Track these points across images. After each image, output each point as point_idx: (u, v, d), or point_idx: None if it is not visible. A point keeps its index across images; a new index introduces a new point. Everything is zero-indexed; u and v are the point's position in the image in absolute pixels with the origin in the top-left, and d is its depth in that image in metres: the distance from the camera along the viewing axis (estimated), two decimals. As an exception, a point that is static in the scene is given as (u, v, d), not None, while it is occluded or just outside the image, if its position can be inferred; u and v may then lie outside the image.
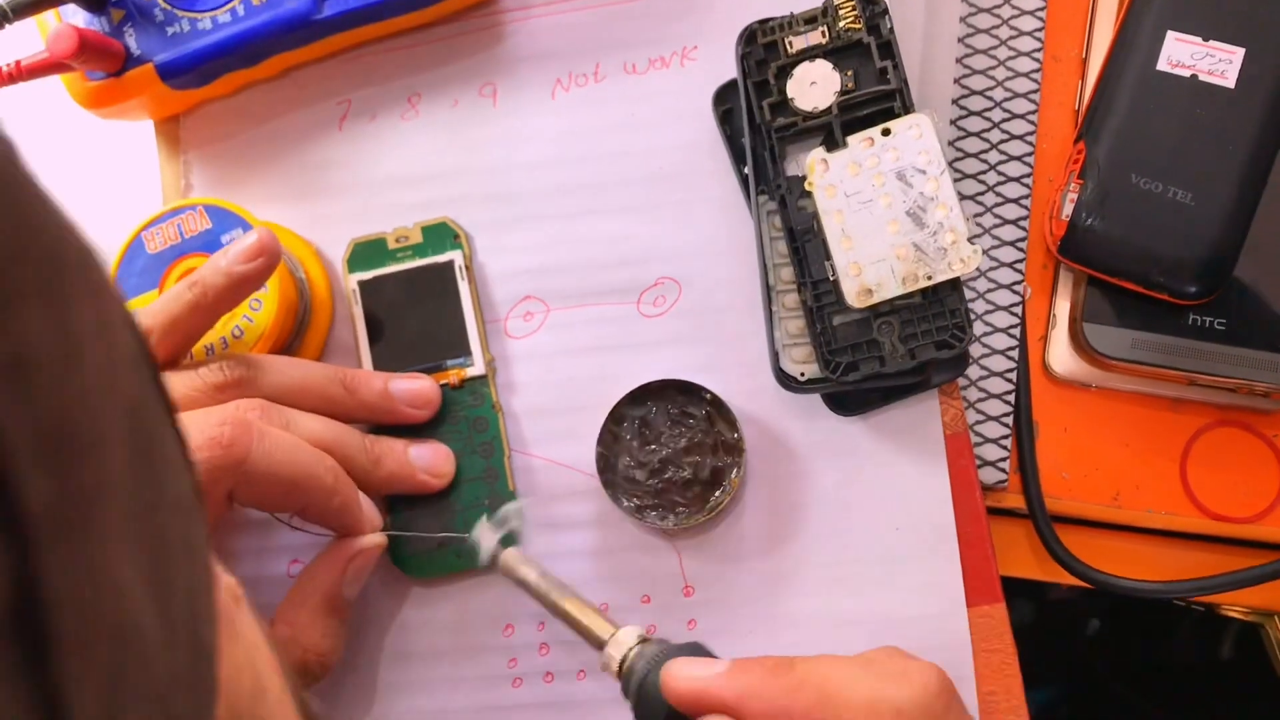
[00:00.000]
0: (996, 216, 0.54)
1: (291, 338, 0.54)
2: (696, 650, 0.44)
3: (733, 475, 0.52)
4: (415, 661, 0.53)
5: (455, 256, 0.54)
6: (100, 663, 0.17)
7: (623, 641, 0.45)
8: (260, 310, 0.52)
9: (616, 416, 0.52)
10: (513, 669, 0.53)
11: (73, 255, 0.18)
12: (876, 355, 0.49)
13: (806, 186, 0.49)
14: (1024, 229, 0.54)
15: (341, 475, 0.48)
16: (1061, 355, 0.53)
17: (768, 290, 0.51)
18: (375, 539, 0.50)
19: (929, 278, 0.48)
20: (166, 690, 0.18)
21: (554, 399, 0.54)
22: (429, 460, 0.52)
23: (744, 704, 0.40)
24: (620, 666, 0.44)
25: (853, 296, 0.48)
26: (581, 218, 0.55)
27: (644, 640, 0.45)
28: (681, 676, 0.42)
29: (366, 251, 0.55)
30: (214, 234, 0.53)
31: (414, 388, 0.52)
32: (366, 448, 0.50)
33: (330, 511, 0.48)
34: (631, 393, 0.52)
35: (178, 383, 0.47)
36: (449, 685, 0.53)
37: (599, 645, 0.45)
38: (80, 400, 0.17)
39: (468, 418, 0.54)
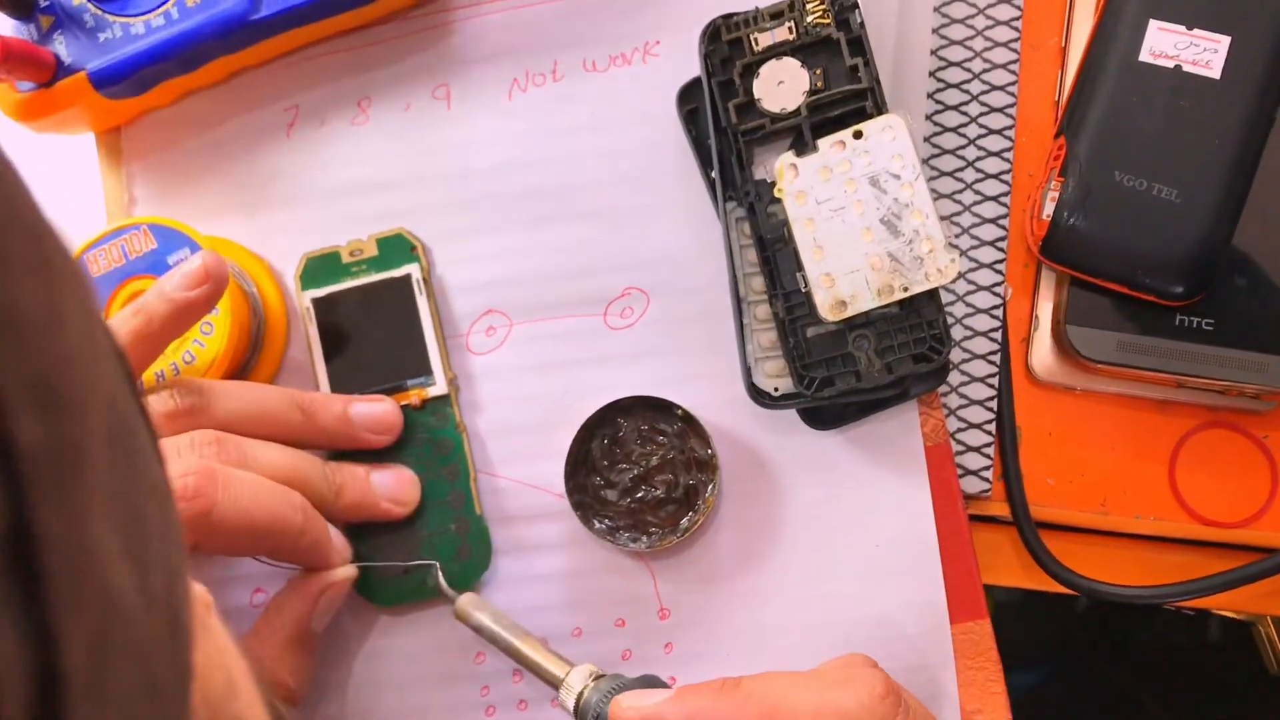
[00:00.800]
0: (975, 215, 0.52)
1: (246, 359, 0.52)
2: (649, 683, 0.45)
3: (707, 493, 0.50)
4: (385, 691, 0.52)
5: (413, 270, 0.52)
6: (88, 612, 0.17)
7: (574, 682, 0.46)
8: (213, 334, 0.49)
9: (585, 435, 0.50)
10: (485, 697, 0.51)
11: (52, 238, 0.19)
12: (852, 370, 0.47)
13: (776, 192, 0.47)
14: (1004, 228, 0.52)
15: (310, 512, 0.46)
16: (1045, 358, 0.51)
17: (738, 301, 0.48)
18: (346, 572, 0.48)
19: (905, 289, 0.46)
20: (148, 654, 0.19)
21: (520, 417, 0.52)
22: (392, 488, 0.50)
23: None
24: (576, 705, 0.45)
25: (826, 309, 0.46)
26: (543, 225, 0.52)
27: (598, 677, 0.46)
28: (627, 708, 0.42)
29: (320, 266, 0.53)
30: (160, 254, 0.51)
31: (374, 411, 0.50)
32: (328, 476, 0.48)
33: (300, 550, 0.47)
34: (600, 410, 0.50)
35: None
36: (420, 714, 0.52)
37: (555, 685, 0.46)
38: (66, 361, 0.18)
39: (431, 440, 0.51)
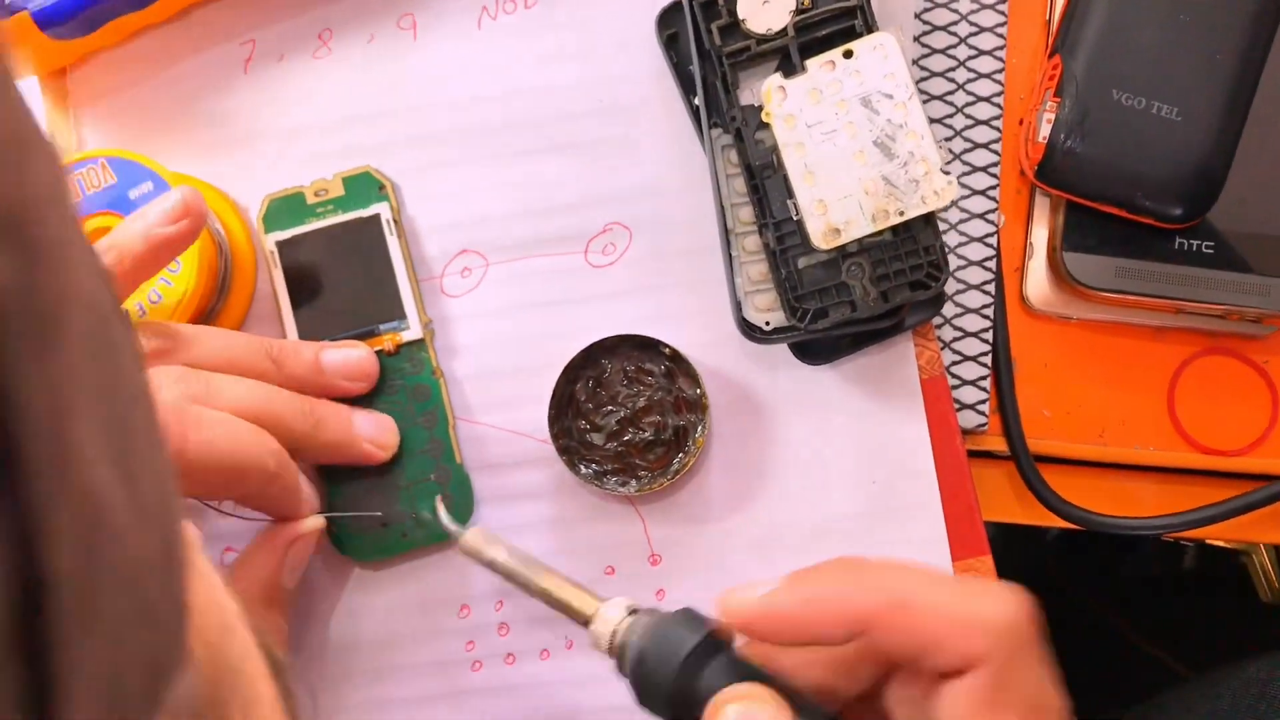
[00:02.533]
0: (966, 140, 0.50)
1: (213, 301, 0.50)
2: (693, 618, 0.38)
3: (697, 434, 0.48)
4: (366, 649, 0.50)
5: (381, 209, 0.50)
6: (73, 511, 0.15)
7: (611, 616, 0.39)
8: (179, 272, 0.47)
9: (568, 377, 0.48)
10: (471, 652, 0.49)
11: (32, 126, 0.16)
12: (847, 300, 0.45)
13: (764, 117, 0.45)
14: (996, 152, 0.50)
15: (284, 458, 0.44)
16: (1040, 287, 0.50)
17: (726, 233, 0.46)
18: (314, 523, 0.46)
19: (900, 213, 0.44)
20: (142, 576, 0.17)
21: (500, 361, 0.50)
22: (374, 430, 0.48)
23: (809, 610, 0.34)
24: (612, 641, 0.39)
25: (819, 237, 0.44)
26: (518, 160, 0.50)
27: (634, 611, 0.39)
28: (733, 605, 0.36)
29: (284, 208, 0.50)
30: (120, 189, 0.48)
31: (349, 358, 0.48)
32: (305, 411, 0.46)
33: (269, 497, 0.45)
34: (583, 351, 0.48)
35: None
36: (404, 672, 0.50)
37: (584, 622, 0.40)
38: (36, 204, 0.15)
39: (406, 386, 0.49)
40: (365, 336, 0.49)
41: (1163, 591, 0.79)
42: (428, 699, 0.49)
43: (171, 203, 0.44)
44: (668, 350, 0.48)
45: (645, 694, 0.38)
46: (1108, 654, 0.73)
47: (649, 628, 0.38)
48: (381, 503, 0.49)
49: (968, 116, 0.50)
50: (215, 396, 0.43)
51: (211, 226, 0.49)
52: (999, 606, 0.33)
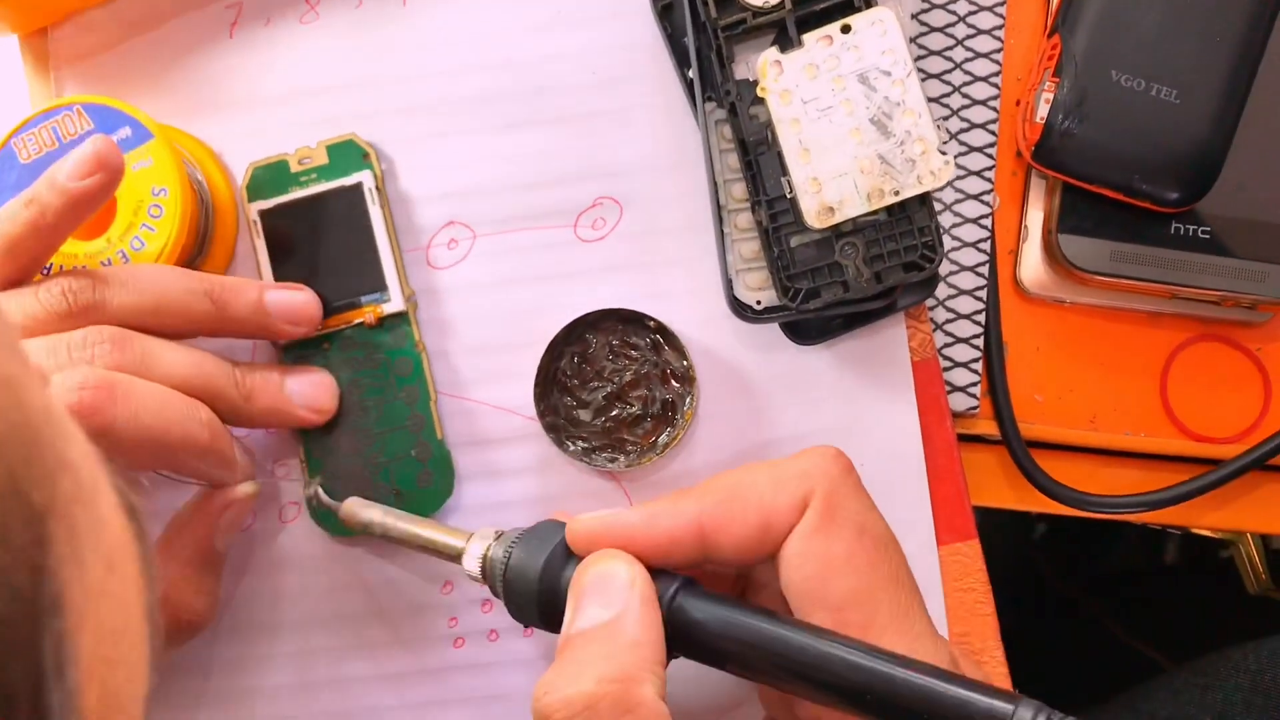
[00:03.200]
0: (963, 120, 0.49)
1: (194, 253, 0.49)
2: (554, 524, 0.40)
3: (685, 407, 0.47)
4: (346, 625, 0.49)
5: (364, 177, 0.49)
6: None
7: (477, 545, 0.41)
8: (162, 218, 0.46)
9: (552, 353, 0.47)
10: (453, 628, 0.49)
11: None
12: (839, 280, 0.44)
13: (758, 92, 0.44)
14: (993, 133, 0.49)
15: (216, 428, 0.43)
16: (1034, 270, 0.49)
17: (718, 210, 0.46)
18: (248, 489, 0.46)
19: (896, 193, 0.43)
20: None
21: (485, 336, 0.49)
22: (309, 393, 0.47)
23: (652, 524, 0.38)
24: (482, 567, 0.40)
25: (812, 216, 0.44)
26: (508, 131, 0.49)
27: (500, 534, 0.41)
28: (583, 522, 0.39)
29: (267, 176, 0.49)
30: (100, 134, 0.47)
31: (293, 301, 0.47)
32: (238, 381, 0.45)
33: (203, 468, 0.44)
34: (568, 326, 0.47)
35: (13, 306, 0.42)
36: (384, 649, 0.49)
37: (458, 556, 0.41)
38: None
39: (388, 360, 0.48)
40: (347, 309, 0.48)
41: (1146, 584, 0.79)
42: (409, 675, 0.49)
43: (85, 155, 0.42)
44: (652, 323, 0.47)
45: (515, 604, 0.39)
46: (1088, 646, 0.73)
47: (513, 540, 0.40)
48: (360, 478, 0.48)
49: (965, 96, 0.49)
50: (149, 366, 0.42)
51: (193, 177, 0.48)
52: (811, 456, 0.38)
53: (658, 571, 0.37)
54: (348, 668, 0.49)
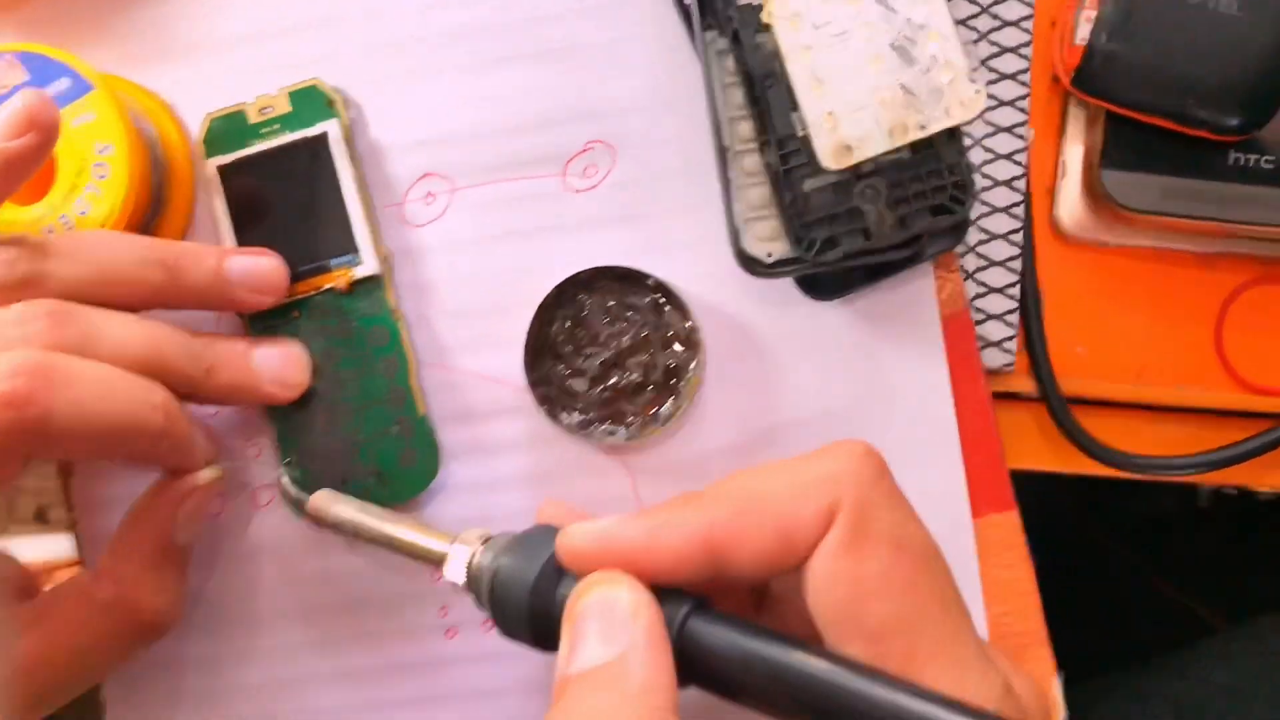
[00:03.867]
0: (993, 44, 0.44)
1: (148, 215, 0.44)
2: (547, 530, 0.36)
3: (690, 374, 0.43)
4: (331, 616, 0.45)
5: (329, 127, 0.44)
6: None
7: (464, 548, 0.37)
8: (108, 178, 0.41)
9: (542, 318, 0.43)
10: (444, 619, 0.45)
11: None
12: (859, 227, 0.40)
13: (764, 18, 0.39)
14: (1026, 58, 0.44)
15: (172, 409, 0.38)
16: (1073, 210, 0.45)
17: (722, 152, 0.41)
18: (209, 474, 0.41)
19: (922, 127, 0.38)
20: None
21: (469, 299, 0.44)
22: (277, 366, 0.43)
23: (656, 539, 0.32)
24: (468, 574, 0.36)
25: (828, 156, 0.39)
26: (487, 70, 0.44)
27: (486, 540, 0.37)
28: (577, 534, 0.33)
29: (225, 128, 0.44)
30: (34, 87, 0.42)
31: (256, 266, 0.42)
32: (196, 354, 0.40)
33: (158, 456, 0.40)
34: (558, 287, 0.43)
35: None
36: (372, 640, 0.45)
37: (440, 561, 0.37)
38: None
39: (362, 329, 0.44)
40: (316, 273, 0.44)
41: (1180, 533, 0.75)
42: (399, 667, 0.45)
43: (12, 112, 0.37)
44: (652, 281, 0.43)
45: (504, 619, 0.35)
46: (1134, 603, 0.69)
47: (502, 549, 0.35)
48: (337, 460, 0.44)
49: (994, 16, 0.44)
50: (93, 343, 0.37)
51: (143, 130, 0.43)
52: (837, 457, 0.32)
53: (664, 590, 0.32)
54: (332, 662, 0.45)
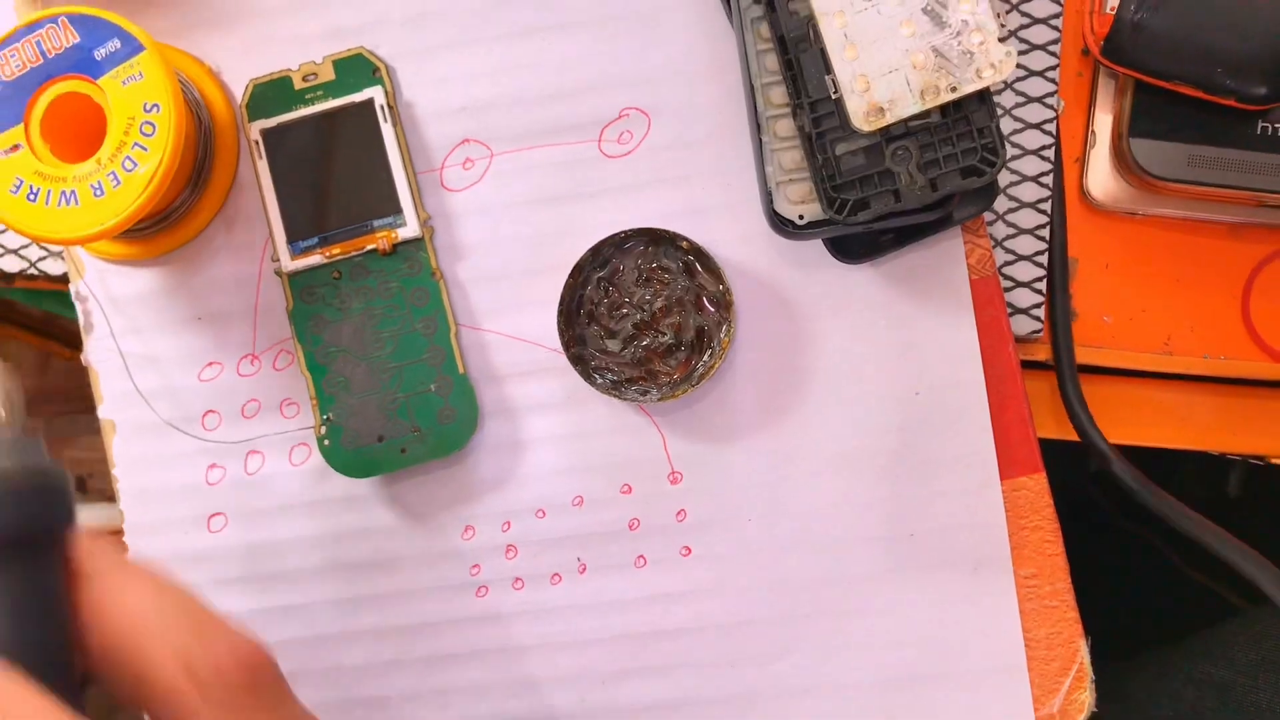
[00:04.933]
0: (1023, 14, 0.45)
1: (194, 175, 0.45)
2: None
3: (722, 335, 0.44)
4: (361, 575, 0.46)
5: (375, 94, 0.45)
6: None
7: None
8: (154, 136, 0.42)
9: (577, 278, 0.44)
10: (476, 576, 0.46)
11: None
12: (890, 189, 0.40)
13: (798, -16, 0.40)
14: (1057, 28, 0.45)
15: None
16: (1102, 179, 0.45)
17: (756, 117, 0.42)
18: None
19: (953, 89, 0.39)
20: None
21: (505, 261, 0.45)
22: None
23: None
24: None
25: (860, 118, 0.39)
26: (525, 38, 0.45)
27: None
28: None
29: (269, 94, 0.46)
30: (85, 49, 0.43)
31: None
32: None
33: None
34: (593, 249, 0.43)
35: None
36: (403, 599, 0.46)
37: None
38: None
39: (403, 289, 0.45)
40: (357, 234, 0.45)
41: (1210, 518, 0.74)
42: (430, 625, 0.46)
43: None
44: (685, 244, 0.43)
45: None
46: (1155, 582, 0.69)
47: None
48: (378, 416, 0.45)
49: (1025, -12, 0.45)
50: None
51: (189, 95, 0.44)
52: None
53: None
54: (362, 620, 0.46)
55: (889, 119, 0.39)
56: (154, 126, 0.42)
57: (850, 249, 0.43)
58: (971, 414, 0.43)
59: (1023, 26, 0.45)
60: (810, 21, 0.40)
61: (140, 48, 0.43)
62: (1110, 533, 0.75)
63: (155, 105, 0.43)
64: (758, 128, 0.42)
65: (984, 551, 0.43)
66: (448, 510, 0.45)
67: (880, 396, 0.44)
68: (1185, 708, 0.52)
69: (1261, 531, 0.72)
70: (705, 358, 0.44)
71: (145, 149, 0.42)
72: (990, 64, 0.39)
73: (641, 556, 0.45)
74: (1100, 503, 0.74)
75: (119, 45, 0.43)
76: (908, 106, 0.39)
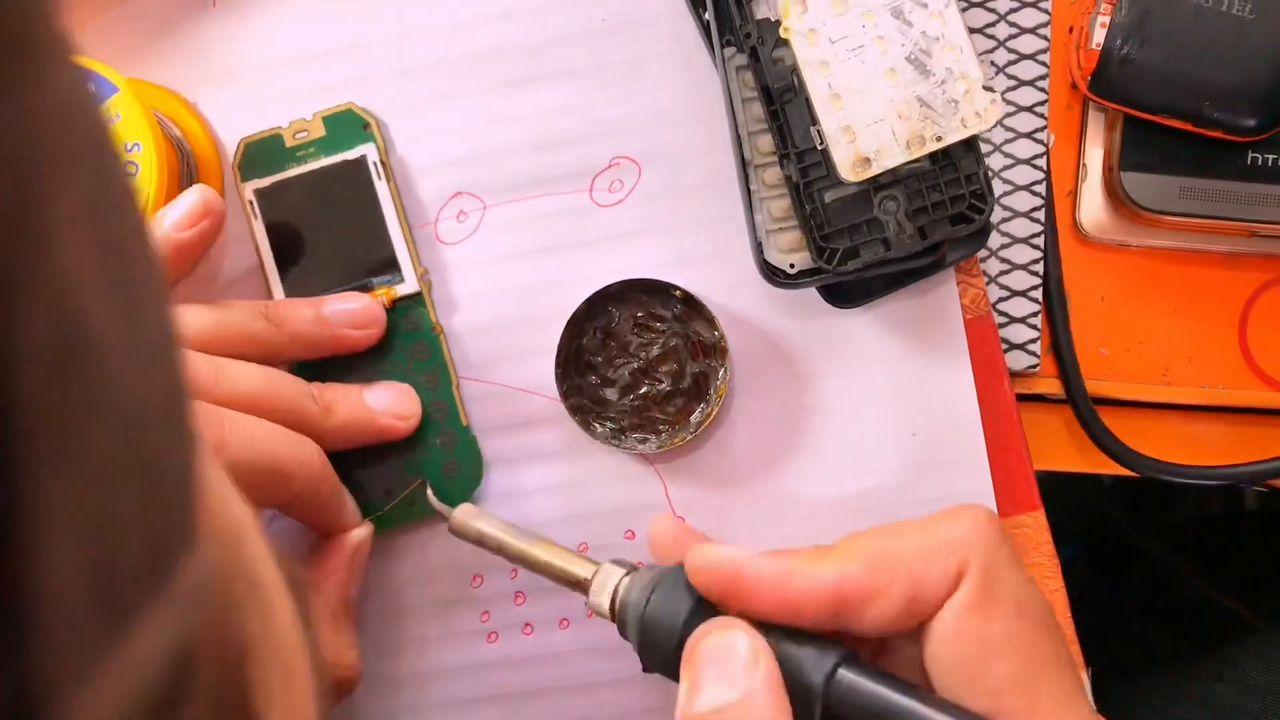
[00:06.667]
0: (1011, 51, 0.45)
1: None
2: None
3: (718, 381, 0.44)
4: (374, 623, 0.47)
5: (367, 150, 0.45)
6: (52, 335, 0.13)
7: (609, 576, 0.37)
8: (138, 173, 0.43)
9: (573, 330, 0.44)
10: (486, 623, 0.46)
11: None
12: (879, 237, 0.41)
13: (781, 33, 0.40)
14: (1044, 64, 0.45)
15: (324, 457, 0.41)
16: (1095, 212, 0.45)
17: (743, 166, 0.42)
18: (366, 531, 0.44)
19: (939, 138, 0.39)
20: (137, 423, 0.15)
21: (503, 313, 0.46)
22: (389, 401, 0.44)
23: (789, 580, 0.33)
24: (612, 604, 0.37)
25: (847, 169, 0.40)
26: (514, 90, 0.46)
27: (633, 570, 0.38)
28: (711, 553, 0.35)
29: (261, 152, 0.46)
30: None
31: (353, 308, 0.44)
32: (314, 395, 0.42)
33: (318, 502, 0.41)
34: (587, 300, 0.44)
35: None
36: (415, 646, 0.47)
37: (583, 588, 0.38)
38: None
39: (405, 345, 0.45)
40: (358, 292, 0.45)
41: (1225, 533, 0.74)
42: (441, 673, 0.47)
43: (189, 203, 0.42)
44: (679, 293, 0.44)
45: (650, 656, 0.36)
46: (1168, 601, 0.69)
47: (650, 582, 0.36)
48: (386, 469, 0.45)
49: (1011, 24, 0.45)
50: (221, 381, 0.39)
51: (169, 132, 0.45)
52: (964, 521, 0.34)
53: (810, 637, 0.33)
54: (377, 666, 0.47)
55: (875, 169, 0.40)
56: (136, 165, 0.43)
57: (843, 294, 0.44)
58: (969, 454, 0.43)
59: (1010, 62, 0.45)
60: (794, 71, 0.40)
61: (114, 89, 0.43)
62: (1127, 549, 0.75)
63: (135, 144, 0.43)
64: (745, 177, 0.42)
65: (985, 589, 0.43)
66: (457, 559, 0.46)
67: (878, 438, 0.44)
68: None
69: (1275, 546, 0.72)
70: (702, 405, 0.44)
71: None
72: (975, 112, 0.39)
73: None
74: (1116, 519, 0.74)
75: (94, 88, 0.43)
76: (894, 157, 0.39)
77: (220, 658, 0.18)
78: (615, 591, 0.37)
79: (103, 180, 0.16)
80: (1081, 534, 0.78)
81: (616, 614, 0.37)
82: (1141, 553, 0.76)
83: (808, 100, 0.40)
